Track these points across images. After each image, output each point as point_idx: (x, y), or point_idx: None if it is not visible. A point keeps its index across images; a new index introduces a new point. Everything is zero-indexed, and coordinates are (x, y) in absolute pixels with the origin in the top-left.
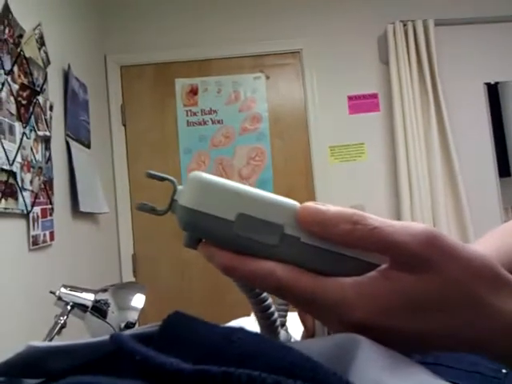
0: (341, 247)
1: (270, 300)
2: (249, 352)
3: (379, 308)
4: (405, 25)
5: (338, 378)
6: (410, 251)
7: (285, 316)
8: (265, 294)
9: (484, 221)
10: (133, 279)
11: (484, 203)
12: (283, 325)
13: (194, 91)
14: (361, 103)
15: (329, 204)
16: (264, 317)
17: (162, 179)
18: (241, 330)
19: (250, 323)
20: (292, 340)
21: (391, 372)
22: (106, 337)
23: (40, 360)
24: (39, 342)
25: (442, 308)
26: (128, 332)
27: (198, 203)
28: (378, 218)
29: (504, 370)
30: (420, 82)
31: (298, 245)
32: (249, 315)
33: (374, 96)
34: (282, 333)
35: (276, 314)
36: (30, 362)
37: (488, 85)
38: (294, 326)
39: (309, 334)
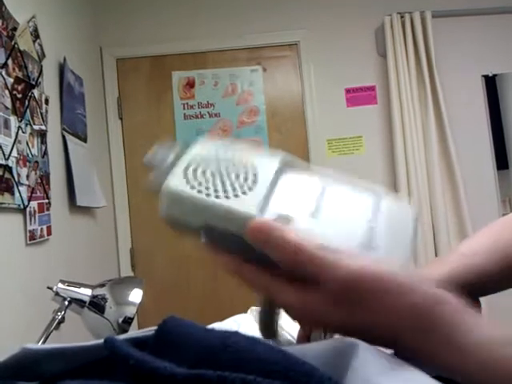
0: None
1: None
2: (244, 356)
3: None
4: (402, 17)
5: (333, 383)
6: (333, 290)
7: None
8: None
9: (482, 213)
10: (131, 273)
11: (482, 195)
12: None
13: (190, 84)
14: (358, 96)
15: (282, 223)
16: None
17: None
18: (236, 333)
19: (246, 320)
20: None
21: (388, 377)
22: (100, 340)
23: (34, 363)
24: (33, 345)
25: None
26: (122, 336)
27: (167, 211)
28: (316, 246)
29: None
30: (417, 74)
31: (255, 250)
32: (245, 311)
33: (372, 88)
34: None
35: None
36: (24, 364)
37: (486, 77)
38: (290, 324)
39: (305, 332)
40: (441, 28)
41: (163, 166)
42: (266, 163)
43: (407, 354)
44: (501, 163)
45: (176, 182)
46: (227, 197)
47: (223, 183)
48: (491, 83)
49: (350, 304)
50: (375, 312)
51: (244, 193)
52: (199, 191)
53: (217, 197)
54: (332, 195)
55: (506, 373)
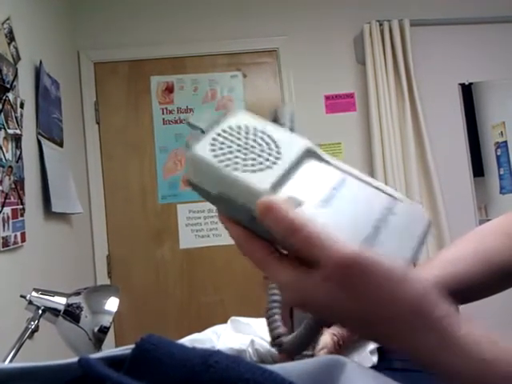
0: None
1: None
2: (227, 377)
3: (301, 299)
4: (381, 25)
5: None
6: (329, 271)
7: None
8: None
9: (459, 219)
10: (107, 281)
11: (459, 202)
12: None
13: (169, 89)
14: (337, 103)
15: (291, 205)
16: None
17: (202, 131)
18: (218, 353)
19: (226, 331)
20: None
21: None
22: (75, 359)
23: (3, 382)
24: (3, 364)
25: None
26: (97, 355)
27: (189, 174)
28: (319, 228)
29: None
30: (396, 81)
31: (263, 225)
32: (224, 320)
33: (351, 95)
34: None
35: None
36: None
37: (462, 85)
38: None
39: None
40: (419, 36)
41: (197, 131)
42: (291, 145)
43: (403, 353)
44: (477, 170)
45: (201, 148)
46: (245, 170)
47: (245, 156)
48: (467, 91)
49: (348, 288)
50: (374, 301)
51: (261, 169)
52: (220, 161)
53: (235, 169)
54: (348, 188)
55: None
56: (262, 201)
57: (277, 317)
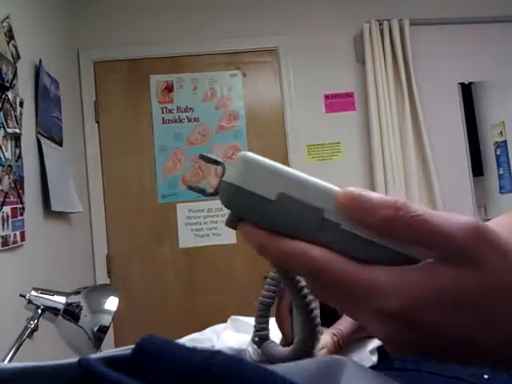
0: (381, 238)
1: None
2: (228, 376)
3: (417, 299)
4: (381, 24)
5: None
6: (455, 243)
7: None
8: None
9: None
10: (107, 280)
11: (458, 202)
12: (266, 339)
13: (169, 88)
14: (337, 102)
15: (370, 191)
16: (302, 307)
17: (216, 162)
18: (219, 353)
19: (226, 331)
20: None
21: None
22: (74, 359)
23: (3, 382)
24: (2, 364)
25: (483, 307)
26: (97, 355)
27: (240, 180)
28: (422, 207)
29: (486, 376)
30: (395, 81)
31: (337, 231)
32: (225, 321)
33: (350, 95)
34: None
35: (317, 310)
36: None
37: (462, 84)
38: (273, 332)
39: (287, 341)
40: (418, 36)
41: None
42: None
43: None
44: (476, 170)
45: (254, 154)
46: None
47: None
48: (467, 91)
49: (480, 258)
50: (497, 270)
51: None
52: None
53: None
54: None
55: None
56: (348, 192)
57: (265, 319)
